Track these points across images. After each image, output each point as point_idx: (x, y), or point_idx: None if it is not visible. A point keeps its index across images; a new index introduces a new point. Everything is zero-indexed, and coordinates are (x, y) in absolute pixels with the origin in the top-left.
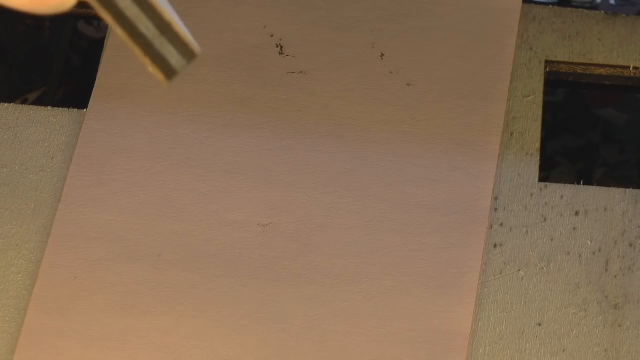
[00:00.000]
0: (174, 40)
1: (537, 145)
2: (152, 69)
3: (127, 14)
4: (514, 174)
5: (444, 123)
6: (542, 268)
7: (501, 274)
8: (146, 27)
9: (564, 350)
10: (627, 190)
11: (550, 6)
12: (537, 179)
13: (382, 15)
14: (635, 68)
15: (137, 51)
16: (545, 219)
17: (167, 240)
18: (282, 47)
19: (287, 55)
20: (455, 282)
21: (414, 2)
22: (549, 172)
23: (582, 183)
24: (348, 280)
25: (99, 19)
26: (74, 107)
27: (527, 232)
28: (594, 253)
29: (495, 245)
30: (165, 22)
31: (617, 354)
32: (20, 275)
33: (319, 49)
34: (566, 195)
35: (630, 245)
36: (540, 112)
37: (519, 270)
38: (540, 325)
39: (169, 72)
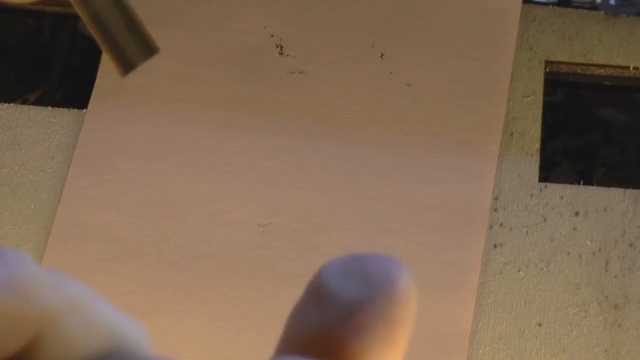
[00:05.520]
0: (136, 36)
1: (537, 145)
2: (113, 61)
3: (99, 9)
4: (514, 174)
5: (444, 123)
6: (542, 268)
7: (501, 274)
8: (114, 21)
9: (564, 350)
10: (627, 190)
11: (550, 6)
12: (537, 179)
13: (382, 15)
14: (635, 68)
15: (102, 44)
16: (545, 219)
17: (167, 240)
18: (282, 47)
19: (287, 55)
20: (455, 282)
21: (414, 2)
22: (549, 172)
23: (582, 183)
24: None
25: None
26: (74, 107)
27: (527, 232)
28: (594, 253)
29: (495, 245)
30: (131, 18)
31: (617, 354)
32: None
33: (319, 49)
34: (566, 195)
35: (630, 245)
36: (540, 112)
37: (519, 271)
38: (540, 325)
39: (128, 66)
